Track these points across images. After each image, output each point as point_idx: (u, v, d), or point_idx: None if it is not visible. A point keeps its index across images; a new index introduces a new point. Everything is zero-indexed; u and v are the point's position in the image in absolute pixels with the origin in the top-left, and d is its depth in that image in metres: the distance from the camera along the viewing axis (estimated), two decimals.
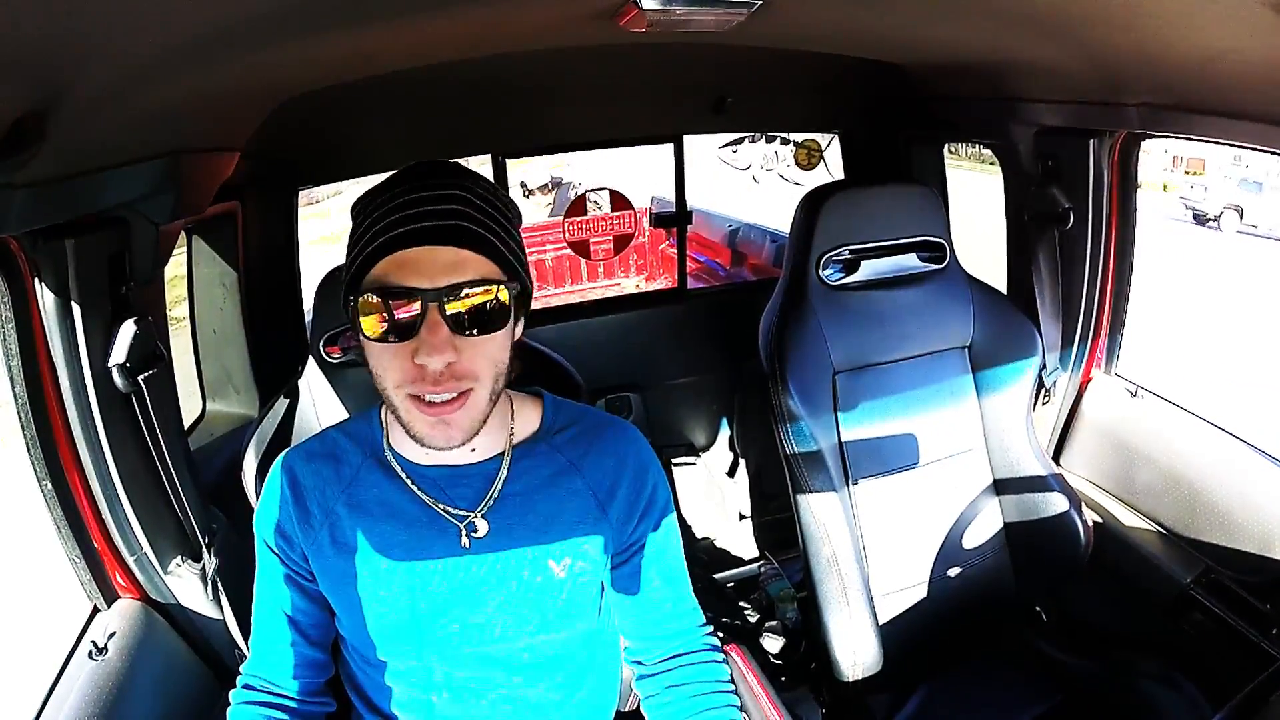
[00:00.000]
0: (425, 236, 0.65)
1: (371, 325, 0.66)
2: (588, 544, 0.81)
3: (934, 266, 1.44)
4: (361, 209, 0.71)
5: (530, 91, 1.58)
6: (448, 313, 0.65)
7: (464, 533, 0.78)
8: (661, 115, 1.84)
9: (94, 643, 0.95)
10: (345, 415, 1.12)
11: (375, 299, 0.65)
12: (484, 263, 0.67)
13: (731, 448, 2.20)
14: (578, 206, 2.12)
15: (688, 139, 1.94)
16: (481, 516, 0.78)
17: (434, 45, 1.13)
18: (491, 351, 0.69)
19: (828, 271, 1.39)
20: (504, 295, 0.67)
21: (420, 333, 0.65)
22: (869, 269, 1.42)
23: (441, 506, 0.78)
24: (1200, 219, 12.78)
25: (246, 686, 0.84)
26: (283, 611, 0.83)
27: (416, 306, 0.65)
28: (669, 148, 1.94)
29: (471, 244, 0.66)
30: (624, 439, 0.85)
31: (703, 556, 2.10)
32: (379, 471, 0.80)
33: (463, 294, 0.65)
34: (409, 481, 0.79)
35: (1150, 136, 1.25)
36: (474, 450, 0.79)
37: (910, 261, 1.44)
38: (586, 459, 0.83)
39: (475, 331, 0.67)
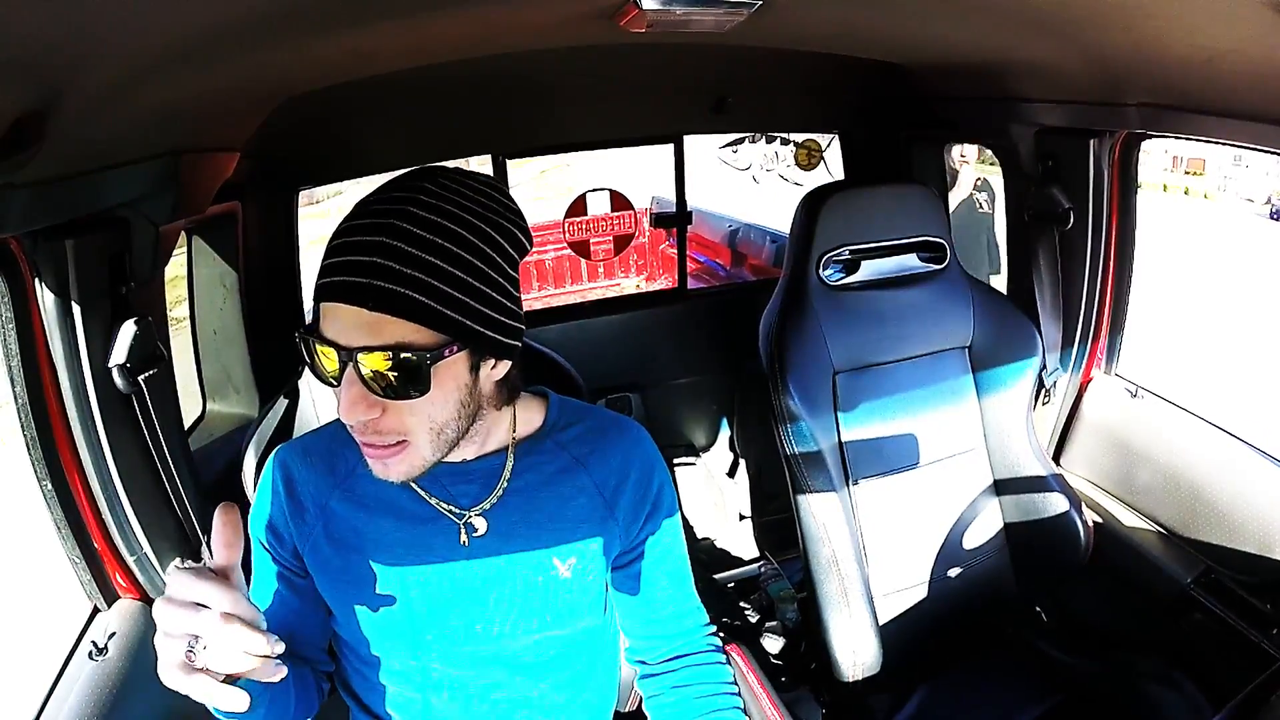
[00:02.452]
0: (338, 293, 0.59)
1: (309, 367, 0.65)
2: (592, 542, 0.81)
3: (934, 267, 1.44)
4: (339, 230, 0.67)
5: (530, 91, 1.58)
6: (362, 373, 0.60)
7: (463, 531, 0.77)
8: (661, 115, 1.84)
9: (94, 643, 0.95)
10: None
11: (305, 344, 0.63)
12: (402, 325, 0.59)
13: (731, 448, 2.20)
14: (578, 206, 2.12)
15: (688, 139, 1.94)
16: (481, 514, 0.78)
17: (434, 45, 1.13)
18: (423, 409, 0.64)
19: (828, 272, 1.39)
20: (422, 363, 0.60)
21: (339, 389, 0.62)
22: (869, 269, 1.42)
23: (443, 504, 0.78)
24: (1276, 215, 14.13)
25: None
26: (274, 610, 0.81)
27: (332, 361, 0.62)
28: (669, 148, 1.94)
29: (386, 305, 0.59)
30: (630, 438, 0.85)
31: (703, 556, 2.10)
32: None
33: (371, 358, 0.60)
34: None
35: (1150, 136, 1.25)
36: (481, 445, 0.78)
37: (910, 262, 1.44)
38: (592, 457, 0.82)
39: (394, 396, 0.62)
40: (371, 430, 0.64)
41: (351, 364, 0.60)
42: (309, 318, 1.14)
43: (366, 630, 0.79)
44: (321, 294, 0.61)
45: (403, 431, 0.65)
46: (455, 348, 0.62)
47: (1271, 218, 14.11)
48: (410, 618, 0.78)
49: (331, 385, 0.64)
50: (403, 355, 0.60)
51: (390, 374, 0.60)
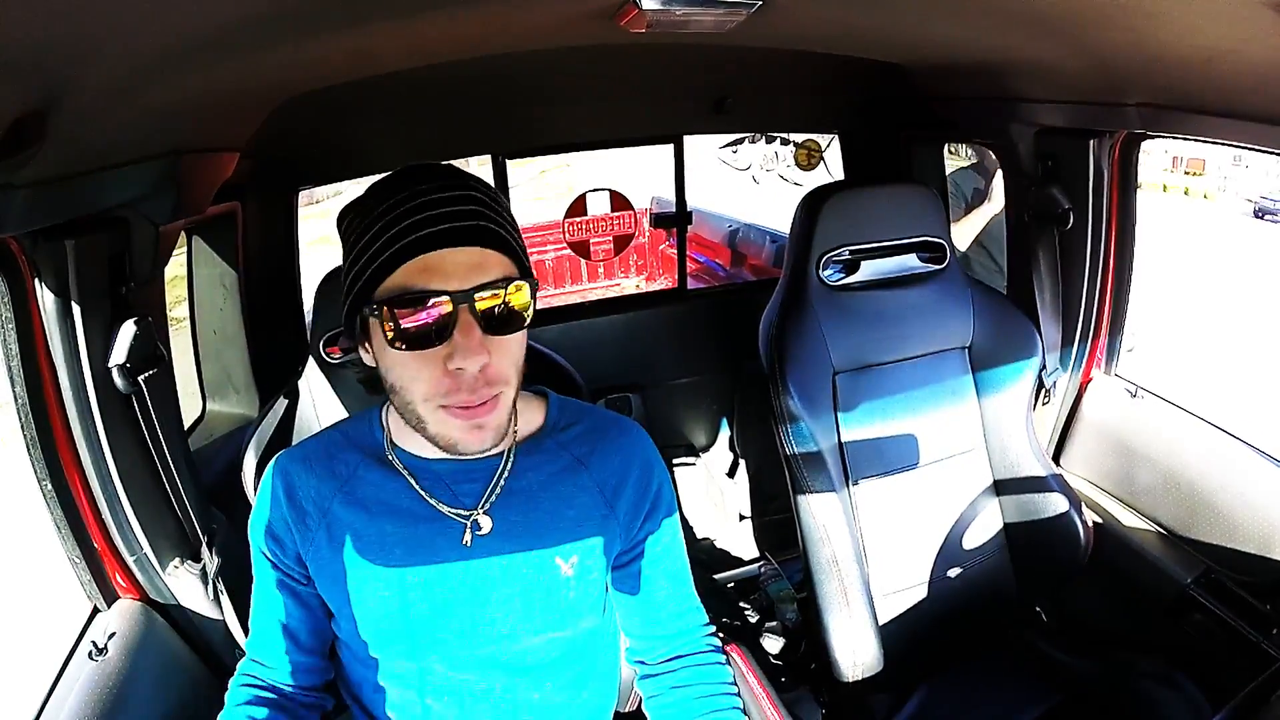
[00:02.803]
0: (450, 238, 0.63)
1: (397, 335, 0.64)
2: (594, 541, 0.81)
3: (934, 267, 1.44)
4: (359, 216, 0.68)
5: (530, 91, 1.58)
6: (479, 313, 0.64)
7: (468, 530, 0.77)
8: (661, 115, 1.84)
9: (94, 643, 0.95)
10: (345, 415, 1.12)
11: (401, 306, 0.63)
12: (504, 261, 0.67)
13: (731, 448, 2.20)
14: (577, 207, 2.12)
15: (688, 139, 1.94)
16: (486, 512, 0.77)
17: (434, 45, 1.13)
18: (515, 351, 0.69)
19: (828, 272, 1.39)
20: (526, 292, 0.67)
21: (454, 336, 0.63)
22: (869, 269, 1.42)
23: (444, 505, 0.77)
24: (1259, 215, 15.88)
25: (243, 685, 0.83)
26: (276, 618, 0.82)
27: (445, 310, 0.63)
28: (669, 148, 1.94)
29: (493, 243, 0.65)
30: (630, 437, 0.85)
31: (703, 557, 2.10)
32: (379, 470, 0.79)
33: (490, 293, 0.64)
34: (411, 480, 0.78)
35: (1150, 136, 1.25)
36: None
37: (910, 262, 1.44)
38: (593, 456, 0.82)
39: (502, 331, 0.66)
40: (482, 382, 0.66)
41: (467, 306, 0.63)
42: (309, 317, 1.14)
43: (368, 632, 0.79)
44: (415, 248, 0.62)
45: (504, 378, 0.68)
46: (535, 283, 0.69)
47: (1255, 216, 15.53)
48: (412, 619, 0.78)
49: (416, 349, 0.64)
50: (513, 283, 0.65)
51: (507, 304, 0.65)
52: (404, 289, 0.63)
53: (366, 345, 0.71)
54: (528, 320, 0.68)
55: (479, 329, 0.64)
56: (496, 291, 0.65)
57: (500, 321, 0.65)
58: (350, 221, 0.70)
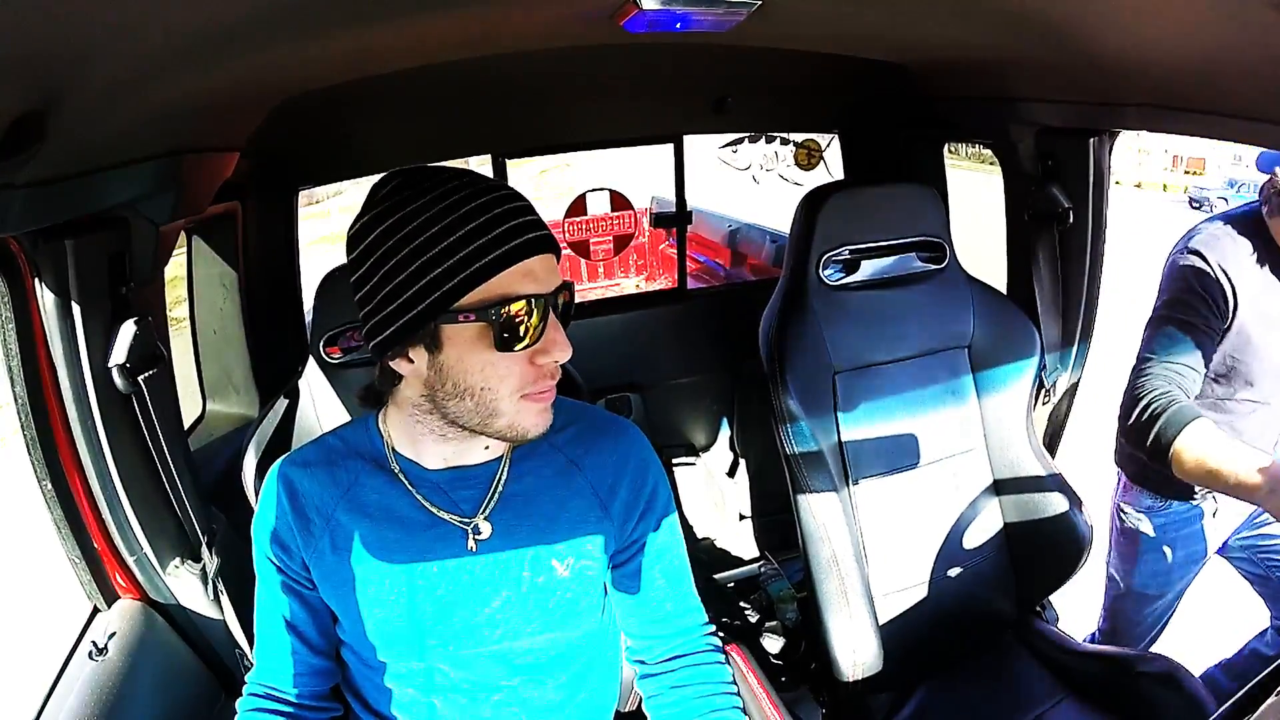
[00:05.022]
0: (539, 246, 0.68)
1: (501, 339, 0.66)
2: (590, 543, 0.81)
3: (934, 266, 1.44)
4: (417, 221, 0.64)
5: (530, 91, 1.58)
6: (559, 311, 0.71)
7: (469, 535, 0.78)
8: (661, 115, 1.84)
9: (94, 643, 0.95)
10: (345, 415, 1.12)
11: (507, 312, 0.66)
12: (558, 265, 0.72)
13: (731, 448, 2.20)
14: (577, 207, 2.12)
15: (687, 139, 1.94)
16: (485, 518, 0.78)
17: (434, 45, 1.13)
18: None
19: (827, 271, 1.39)
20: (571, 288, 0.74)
21: (547, 334, 0.69)
22: (869, 269, 1.42)
23: (444, 511, 0.78)
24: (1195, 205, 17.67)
25: (252, 694, 0.84)
26: (284, 621, 0.82)
27: (537, 312, 0.67)
28: (669, 148, 1.94)
29: (557, 250, 0.71)
30: (625, 438, 0.85)
31: (703, 556, 2.10)
32: (380, 476, 0.79)
33: (564, 294, 0.72)
34: (411, 487, 0.79)
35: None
36: (487, 448, 0.79)
37: (910, 261, 1.44)
38: (588, 458, 0.83)
39: (566, 325, 0.72)
40: (558, 370, 0.73)
41: (552, 306, 0.69)
42: (309, 316, 1.14)
43: (373, 636, 0.79)
44: (510, 258, 0.66)
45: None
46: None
47: (1191, 207, 17.09)
48: (416, 623, 0.78)
49: (516, 351, 0.68)
50: (569, 285, 0.73)
51: (569, 305, 0.74)
52: (508, 295, 0.66)
53: (414, 354, 0.68)
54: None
55: (560, 326, 0.71)
56: (565, 292, 0.72)
57: (565, 318, 0.73)
58: (395, 223, 0.65)
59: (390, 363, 0.70)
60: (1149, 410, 1.21)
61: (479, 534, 0.78)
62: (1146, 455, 1.21)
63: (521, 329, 0.67)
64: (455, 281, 0.64)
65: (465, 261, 0.64)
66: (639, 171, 3.97)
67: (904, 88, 1.56)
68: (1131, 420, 1.24)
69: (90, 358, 0.89)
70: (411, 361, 0.69)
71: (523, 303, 0.66)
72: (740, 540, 2.15)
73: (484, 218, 0.65)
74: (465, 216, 0.65)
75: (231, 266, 1.56)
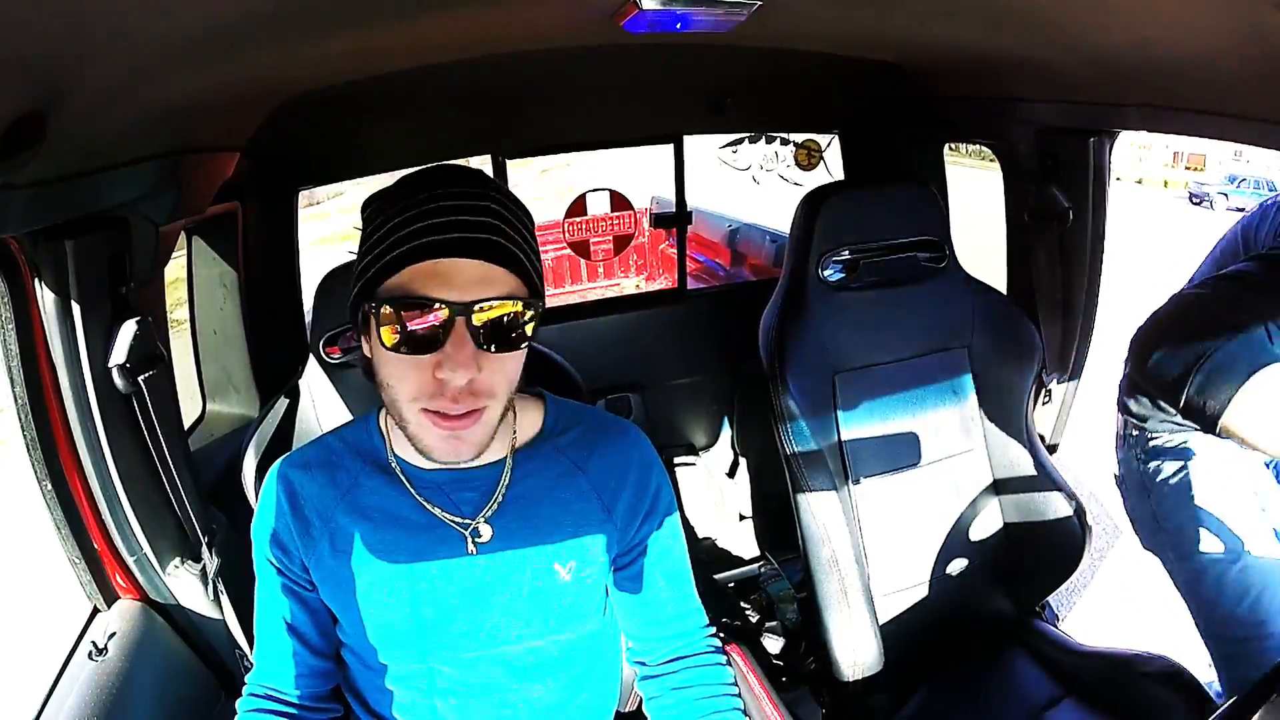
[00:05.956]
0: (457, 248, 0.62)
1: (390, 335, 0.64)
2: (592, 546, 0.81)
3: (934, 266, 1.44)
4: (379, 210, 0.67)
5: (530, 92, 1.58)
6: (474, 326, 0.63)
7: (469, 539, 0.78)
8: (661, 115, 1.84)
9: (94, 643, 0.95)
10: (346, 416, 1.12)
11: (397, 309, 0.63)
12: (511, 279, 0.65)
13: (732, 448, 2.19)
14: (577, 207, 2.12)
15: (687, 139, 1.94)
16: (486, 521, 0.78)
17: (434, 45, 1.13)
18: (509, 369, 0.68)
19: (827, 271, 1.39)
20: (528, 314, 0.66)
21: (445, 347, 0.63)
22: (869, 269, 1.42)
23: (445, 514, 0.78)
24: (1195, 200, 17.85)
25: (252, 695, 0.83)
26: (284, 622, 0.82)
27: (441, 318, 0.63)
28: (669, 148, 1.94)
29: (501, 260, 0.64)
30: (628, 440, 0.85)
31: (703, 556, 2.10)
32: (380, 477, 0.79)
33: (489, 309, 0.64)
34: (411, 488, 0.78)
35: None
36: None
37: (910, 261, 1.44)
38: (590, 460, 0.82)
39: (497, 349, 0.65)
40: (467, 393, 0.65)
41: (464, 318, 0.63)
42: (309, 317, 1.14)
43: (374, 638, 0.79)
44: (419, 254, 0.62)
45: (491, 392, 0.67)
46: (541, 304, 0.68)
47: (1191, 202, 17.25)
48: (417, 625, 0.78)
49: (405, 354, 0.64)
50: (515, 303, 0.64)
51: (501, 325, 0.64)
52: (406, 291, 0.63)
53: (365, 338, 0.72)
54: (525, 341, 0.67)
55: (471, 343, 0.63)
56: (496, 307, 0.64)
57: (496, 338, 0.65)
58: (371, 213, 0.69)
59: (362, 342, 0.73)
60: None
61: (479, 537, 0.78)
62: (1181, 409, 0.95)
63: (407, 331, 0.63)
64: (375, 270, 0.65)
65: (382, 253, 0.65)
66: (639, 171, 3.97)
67: (904, 88, 1.56)
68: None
69: (90, 358, 0.89)
70: (366, 343, 0.72)
71: (412, 303, 0.63)
72: (740, 540, 2.15)
73: (418, 211, 0.64)
74: (410, 217, 0.64)
75: (231, 267, 1.55)
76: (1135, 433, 1.45)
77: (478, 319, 0.63)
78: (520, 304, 0.65)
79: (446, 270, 0.63)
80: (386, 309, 0.63)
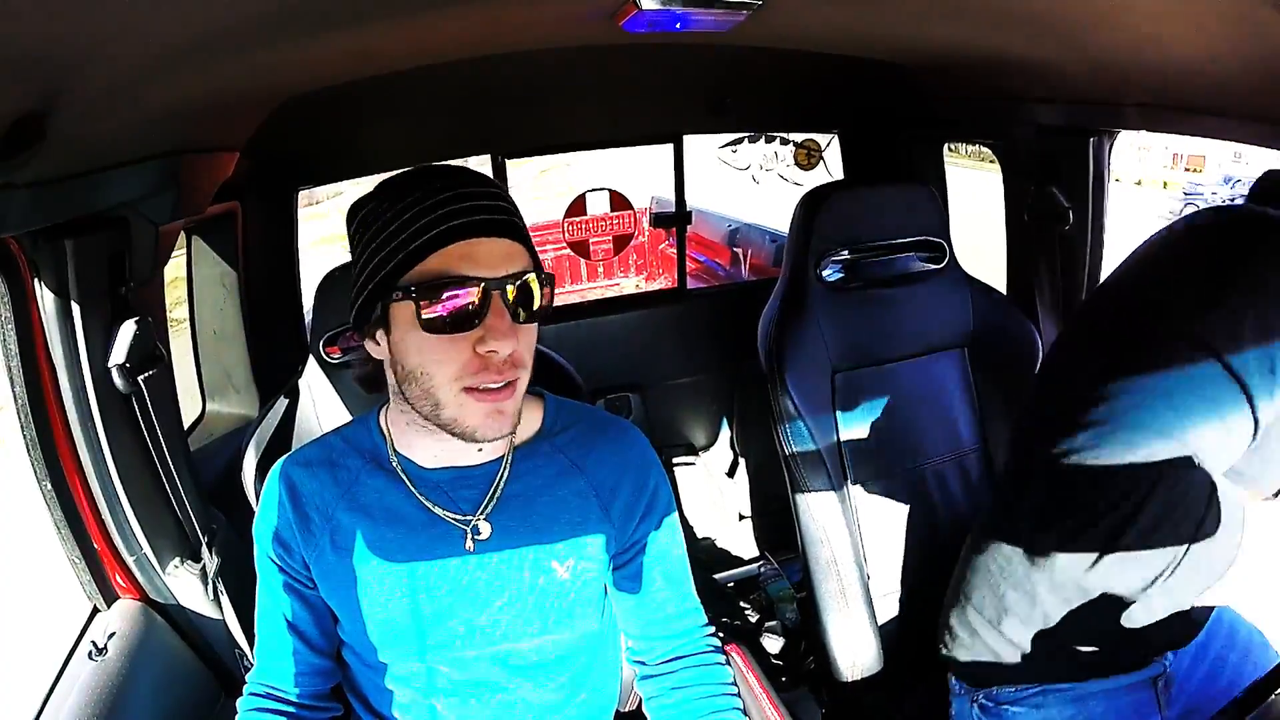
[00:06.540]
0: (486, 228, 0.67)
1: (429, 318, 0.66)
2: (590, 544, 0.81)
3: (933, 266, 1.44)
4: (380, 207, 0.69)
5: (530, 91, 1.58)
6: (509, 300, 0.67)
7: (469, 536, 0.78)
8: (661, 115, 1.84)
9: (94, 643, 0.95)
10: (346, 415, 1.12)
11: (436, 291, 0.65)
12: (526, 255, 0.70)
13: (731, 448, 2.20)
14: (577, 206, 2.12)
15: (687, 139, 1.94)
16: (485, 519, 0.78)
17: (434, 45, 1.13)
18: (532, 340, 0.72)
19: (826, 272, 1.39)
20: (545, 285, 0.71)
21: (487, 321, 0.66)
22: (868, 269, 1.42)
23: (444, 511, 0.78)
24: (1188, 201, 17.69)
25: (253, 694, 0.84)
26: (285, 620, 0.82)
27: (476, 296, 0.66)
28: (669, 148, 1.94)
29: (520, 237, 0.70)
30: (626, 439, 0.85)
31: (703, 556, 2.10)
32: (380, 476, 0.80)
33: (519, 282, 0.68)
34: (411, 487, 0.79)
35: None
36: (481, 450, 0.78)
37: (909, 261, 1.44)
38: (589, 459, 0.83)
39: (525, 319, 0.69)
40: (508, 364, 0.69)
41: (499, 292, 0.67)
42: (309, 317, 1.14)
43: (373, 636, 0.79)
44: (452, 235, 0.66)
45: (524, 363, 0.71)
46: (551, 277, 0.73)
47: (1184, 203, 16.99)
48: (416, 623, 0.78)
49: (447, 333, 0.66)
50: (537, 275, 0.70)
51: (528, 296, 0.69)
52: (441, 274, 0.65)
53: (378, 336, 0.72)
54: (547, 311, 0.72)
55: (508, 315, 0.67)
56: (524, 281, 0.68)
57: (525, 309, 0.69)
58: (369, 213, 0.70)
59: (365, 345, 0.73)
60: None
61: (478, 534, 0.78)
62: None
63: (451, 311, 0.66)
64: (397, 259, 0.67)
65: (405, 242, 0.66)
66: (639, 171, 3.97)
67: (904, 87, 1.56)
68: None
69: (90, 358, 0.89)
70: (378, 344, 0.72)
71: (454, 283, 0.65)
72: (740, 540, 2.15)
73: (436, 199, 0.67)
74: (429, 206, 0.66)
75: (231, 266, 1.56)
76: None
77: (510, 292, 0.67)
78: (537, 275, 0.70)
79: (476, 250, 0.66)
80: (424, 293, 0.65)
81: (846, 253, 1.39)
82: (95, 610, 1.03)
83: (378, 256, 0.68)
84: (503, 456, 0.80)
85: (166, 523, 1.06)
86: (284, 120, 1.17)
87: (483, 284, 0.66)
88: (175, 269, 1.27)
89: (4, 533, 3.09)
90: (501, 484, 0.79)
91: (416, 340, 0.67)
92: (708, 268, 4.41)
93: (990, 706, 1.06)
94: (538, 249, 0.74)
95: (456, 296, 0.65)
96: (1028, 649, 0.97)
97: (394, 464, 0.80)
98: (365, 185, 0.76)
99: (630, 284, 4.89)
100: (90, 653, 0.94)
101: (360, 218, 0.71)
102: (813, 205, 1.36)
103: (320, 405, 1.14)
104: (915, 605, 1.42)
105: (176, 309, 1.40)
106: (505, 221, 0.68)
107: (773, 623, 1.69)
